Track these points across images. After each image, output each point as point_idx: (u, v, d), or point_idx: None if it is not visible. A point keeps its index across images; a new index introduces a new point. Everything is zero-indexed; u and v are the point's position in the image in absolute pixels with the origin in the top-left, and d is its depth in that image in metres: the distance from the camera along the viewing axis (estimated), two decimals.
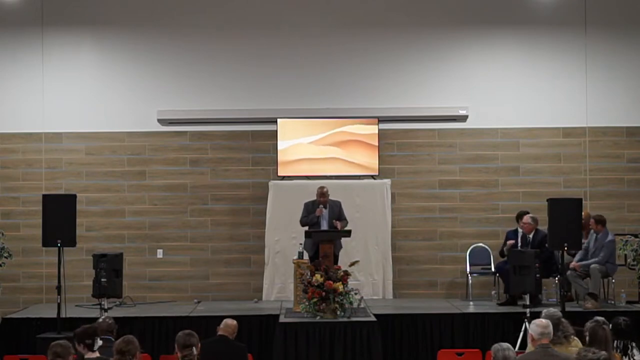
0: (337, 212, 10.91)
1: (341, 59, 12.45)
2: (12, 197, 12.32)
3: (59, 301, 9.70)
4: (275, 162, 12.11)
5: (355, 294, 9.62)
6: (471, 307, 10.86)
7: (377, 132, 12.10)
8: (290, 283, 10.94)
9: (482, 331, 10.04)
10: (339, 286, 9.46)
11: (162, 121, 12.28)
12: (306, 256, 10.49)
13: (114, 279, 9.64)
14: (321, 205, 10.83)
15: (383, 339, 9.55)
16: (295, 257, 10.34)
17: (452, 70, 12.52)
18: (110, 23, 12.45)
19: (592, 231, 10.90)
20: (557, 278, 10.79)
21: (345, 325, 9.28)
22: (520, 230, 11.35)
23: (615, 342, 6.54)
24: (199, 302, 11.69)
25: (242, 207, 12.40)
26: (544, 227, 10.59)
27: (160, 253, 12.35)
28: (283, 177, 12.08)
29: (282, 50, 12.42)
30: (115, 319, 7.74)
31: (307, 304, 9.52)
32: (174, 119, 12.29)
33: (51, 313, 9.90)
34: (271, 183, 12.00)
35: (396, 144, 12.48)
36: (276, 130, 12.07)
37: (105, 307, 9.54)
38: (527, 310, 9.40)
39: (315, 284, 9.46)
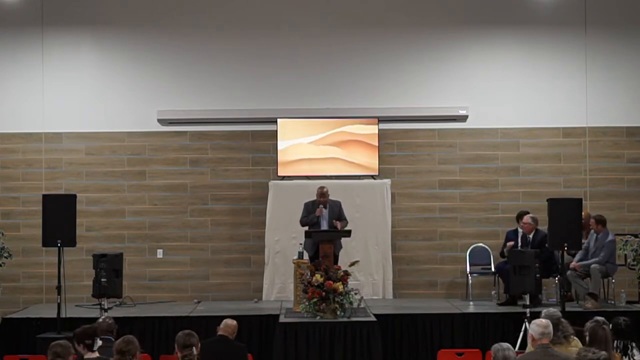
0: (337, 212, 10.90)
1: (341, 59, 12.45)
2: (12, 197, 12.32)
3: (59, 301, 9.70)
4: (275, 162, 12.11)
5: (355, 294, 9.61)
6: (471, 307, 10.85)
7: (377, 132, 12.10)
8: (290, 283, 10.93)
9: (482, 331, 10.03)
10: (339, 286, 9.45)
11: (162, 121, 12.28)
12: (306, 256, 10.48)
13: (114, 279, 9.64)
14: (321, 205, 10.82)
15: (383, 339, 9.54)
16: (295, 257, 10.33)
17: (452, 70, 12.52)
18: (110, 23, 12.45)
19: (592, 231, 10.89)
20: (557, 278, 10.79)
21: (345, 325, 9.27)
22: (520, 230, 11.35)
23: (615, 342, 6.54)
24: (199, 302, 11.69)
25: (242, 207, 12.40)
26: (544, 227, 10.59)
27: (160, 253, 12.35)
28: (283, 177, 12.08)
29: (282, 50, 12.42)
30: (115, 319, 7.73)
31: (307, 304, 9.52)
32: (174, 119, 12.29)
33: (51, 313, 9.90)
34: (271, 183, 12.00)
35: (396, 144, 12.47)
36: (276, 130, 12.07)
37: (105, 307, 9.53)
38: (527, 310, 9.39)
39: (315, 284, 9.45)
